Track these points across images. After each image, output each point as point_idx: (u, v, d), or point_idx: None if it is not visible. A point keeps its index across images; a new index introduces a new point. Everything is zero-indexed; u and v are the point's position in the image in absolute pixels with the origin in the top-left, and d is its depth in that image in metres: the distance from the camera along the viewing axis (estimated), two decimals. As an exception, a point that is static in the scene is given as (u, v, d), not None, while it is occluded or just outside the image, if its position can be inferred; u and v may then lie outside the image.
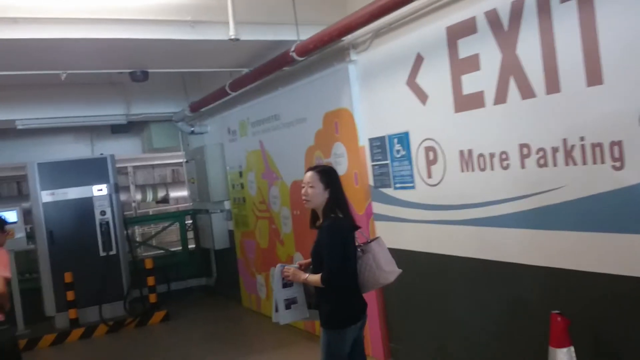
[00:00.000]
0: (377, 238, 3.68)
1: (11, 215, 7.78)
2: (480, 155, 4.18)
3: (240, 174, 8.16)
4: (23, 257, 9.10)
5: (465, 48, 4.22)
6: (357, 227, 3.60)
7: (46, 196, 7.93)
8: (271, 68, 5.85)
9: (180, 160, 15.43)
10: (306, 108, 6.26)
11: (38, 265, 8.19)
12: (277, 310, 3.68)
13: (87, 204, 8.15)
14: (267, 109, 7.13)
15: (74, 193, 8.08)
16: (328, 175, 3.60)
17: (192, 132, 9.32)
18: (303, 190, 3.61)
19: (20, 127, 8.19)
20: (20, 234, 7.82)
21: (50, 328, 7.89)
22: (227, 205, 8.84)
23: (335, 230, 3.45)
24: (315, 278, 3.43)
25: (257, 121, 7.47)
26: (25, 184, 16.93)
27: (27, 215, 8.58)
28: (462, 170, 4.34)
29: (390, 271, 3.56)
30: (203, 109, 8.27)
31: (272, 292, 3.75)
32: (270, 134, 7.16)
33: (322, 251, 3.45)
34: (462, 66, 4.26)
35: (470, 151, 4.27)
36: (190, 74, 8.60)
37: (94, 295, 7.95)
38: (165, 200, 17.62)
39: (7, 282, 4.86)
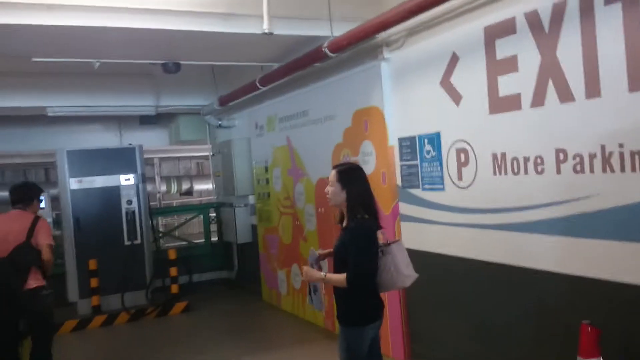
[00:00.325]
0: (397, 241, 3.65)
1: (39, 201, 7.89)
2: (514, 158, 4.09)
3: (266, 169, 8.16)
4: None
5: (503, 49, 4.13)
6: (379, 228, 3.55)
7: (74, 183, 8.02)
8: (302, 64, 5.82)
9: (205, 154, 15.54)
10: (335, 105, 6.22)
11: (63, 251, 8.28)
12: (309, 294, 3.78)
13: (114, 192, 8.22)
14: (296, 104, 7.11)
15: (101, 181, 8.15)
16: (347, 175, 3.56)
17: (220, 126, 9.35)
18: (326, 189, 3.65)
19: (50, 114, 8.30)
20: (48, 220, 7.89)
21: (73, 314, 7.97)
22: (251, 199, 8.86)
23: (362, 233, 3.43)
24: (339, 277, 3.42)
25: (285, 117, 7.45)
26: (53, 171, 17.25)
27: (54, 201, 8.70)
28: (495, 174, 4.26)
29: (408, 275, 3.54)
30: (231, 103, 8.27)
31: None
32: (297, 130, 7.14)
33: (348, 252, 3.41)
34: (499, 67, 4.18)
35: (503, 154, 4.18)
36: (220, 67, 8.62)
37: (117, 283, 8.03)
38: (189, 192, 17.76)
39: (51, 248, 5.30)
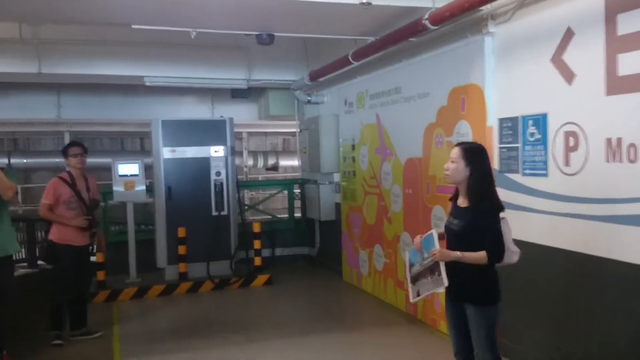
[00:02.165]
0: (503, 219, 3.64)
1: (133, 169, 8.18)
2: (632, 145, 3.71)
3: (353, 147, 8.00)
4: (140, 210, 9.58)
5: (626, 24, 3.73)
6: (503, 209, 3.63)
7: (167, 153, 8.22)
8: (399, 37, 5.57)
9: (292, 130, 15.61)
10: (431, 82, 5.94)
11: (154, 218, 8.55)
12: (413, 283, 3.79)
13: (204, 163, 8.36)
14: (388, 81, 6.88)
15: (192, 152, 8.31)
16: (472, 154, 3.60)
17: (309, 102, 9.28)
18: (446, 165, 3.68)
19: (148, 83, 8.53)
20: (141, 187, 8.17)
21: (160, 279, 8.24)
22: (336, 177, 8.75)
23: (496, 213, 3.55)
24: (477, 255, 3.47)
25: (375, 94, 7.24)
26: (147, 140, 17.94)
27: (147, 170, 8.97)
28: (608, 161, 3.88)
29: (515, 251, 3.65)
30: (322, 79, 8.15)
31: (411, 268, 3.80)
32: (388, 107, 6.91)
33: (485, 232, 3.49)
34: (620, 44, 3.78)
35: (619, 140, 3.80)
36: (311, 42, 8.52)
37: (203, 252, 8.20)
38: (274, 167, 17.94)
39: (42, 206, 5.75)
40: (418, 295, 3.73)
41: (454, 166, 3.59)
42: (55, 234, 5.87)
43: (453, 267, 3.52)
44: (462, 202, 3.66)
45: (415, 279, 3.74)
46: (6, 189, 4.45)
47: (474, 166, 3.55)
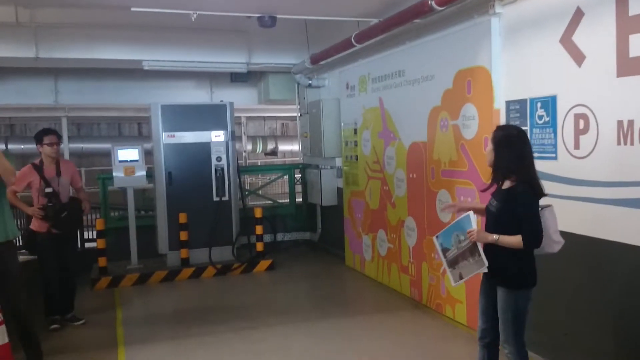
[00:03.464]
0: (549, 206, 3.62)
1: (133, 154, 8.08)
2: (644, 127, 3.65)
3: (355, 131, 7.93)
4: (139, 195, 9.52)
5: (638, 4, 3.65)
6: (543, 195, 3.58)
7: (167, 138, 8.13)
8: (404, 18, 5.48)
9: (291, 114, 15.53)
10: (435, 65, 5.85)
11: (154, 204, 8.49)
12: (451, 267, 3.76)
13: (204, 148, 8.28)
14: (391, 64, 6.78)
15: (192, 137, 8.22)
16: (499, 137, 3.61)
17: (310, 86, 9.20)
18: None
19: (146, 67, 8.42)
20: (141, 172, 8.09)
21: (162, 265, 8.21)
22: (338, 162, 8.69)
23: (533, 197, 3.51)
24: (513, 239, 3.45)
25: (378, 77, 7.15)
26: (145, 125, 17.86)
27: (146, 155, 8.88)
28: (619, 144, 3.82)
29: (557, 241, 3.60)
30: (323, 62, 8.05)
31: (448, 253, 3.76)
32: (391, 91, 6.83)
33: (521, 214, 3.46)
34: (632, 24, 3.70)
35: (631, 122, 3.73)
36: (312, 25, 8.39)
37: (205, 237, 8.16)
38: (273, 152, 17.90)
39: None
40: (460, 278, 3.70)
41: (488, 149, 3.70)
42: (34, 223, 5.88)
43: (490, 250, 3.54)
44: (504, 184, 3.64)
45: (454, 263, 3.71)
46: (9, 173, 4.39)
47: (498, 149, 3.57)
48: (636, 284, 3.78)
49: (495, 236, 3.51)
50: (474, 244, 3.56)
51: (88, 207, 6.34)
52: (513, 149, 3.55)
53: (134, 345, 5.49)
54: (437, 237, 3.82)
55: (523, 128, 4.66)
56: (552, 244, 3.57)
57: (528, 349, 3.66)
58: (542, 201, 3.58)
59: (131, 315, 6.51)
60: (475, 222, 3.60)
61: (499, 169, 3.59)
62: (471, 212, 3.64)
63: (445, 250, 3.75)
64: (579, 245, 4.20)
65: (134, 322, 6.26)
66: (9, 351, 4.50)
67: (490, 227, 3.62)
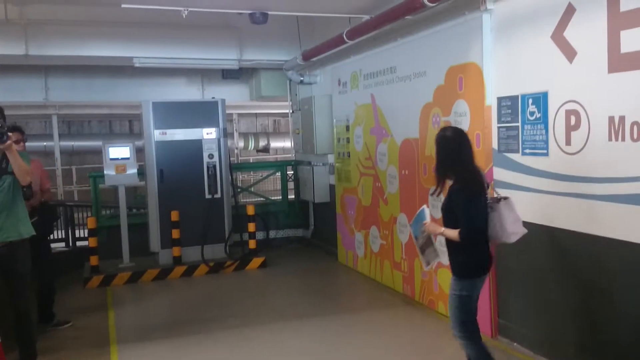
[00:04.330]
0: (506, 198, 3.78)
1: (124, 152, 8.04)
2: (635, 123, 3.66)
3: (347, 128, 7.92)
4: (129, 193, 9.47)
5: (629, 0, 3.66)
6: (485, 186, 3.78)
7: (158, 135, 8.08)
8: (396, 14, 5.47)
9: (282, 111, 15.48)
10: (427, 61, 5.85)
11: (146, 201, 8.45)
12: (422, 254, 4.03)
13: (196, 146, 8.23)
14: (383, 60, 6.78)
15: (184, 134, 8.17)
16: (436, 138, 3.86)
17: (301, 82, 9.17)
18: None
19: (137, 64, 8.37)
20: (132, 170, 8.05)
21: (154, 263, 8.17)
22: (330, 158, 8.69)
23: (466, 194, 3.65)
24: (453, 232, 3.67)
25: (370, 73, 7.15)
26: (136, 123, 17.76)
27: (138, 153, 8.84)
28: (610, 139, 3.84)
29: (512, 232, 3.74)
30: (315, 58, 8.04)
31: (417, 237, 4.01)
32: (383, 87, 6.82)
33: (456, 210, 3.67)
34: (623, 20, 3.72)
35: (622, 118, 3.75)
36: (304, 21, 8.39)
37: (197, 235, 8.13)
38: (265, 149, 17.87)
39: None
40: (428, 263, 4.02)
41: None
42: None
43: (447, 241, 3.81)
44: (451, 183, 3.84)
45: (423, 249, 3.98)
46: (25, 173, 4.35)
47: (437, 150, 3.83)
48: (630, 281, 3.80)
49: (441, 229, 3.76)
50: (429, 235, 3.87)
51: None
52: (448, 150, 3.75)
53: (127, 344, 5.47)
54: (410, 224, 4.13)
55: (514, 124, 4.72)
56: (508, 234, 3.72)
57: (529, 346, 3.68)
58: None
59: (123, 314, 6.48)
60: (429, 215, 3.87)
61: (437, 169, 3.81)
62: (425, 206, 3.96)
63: (416, 238, 4.01)
64: (569, 241, 4.22)
65: (126, 321, 6.23)
66: (1, 351, 4.48)
67: (442, 221, 3.85)
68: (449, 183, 3.79)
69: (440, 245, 3.94)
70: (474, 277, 3.74)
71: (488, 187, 3.88)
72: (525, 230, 3.79)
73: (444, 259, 3.94)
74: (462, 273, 3.76)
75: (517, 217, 3.76)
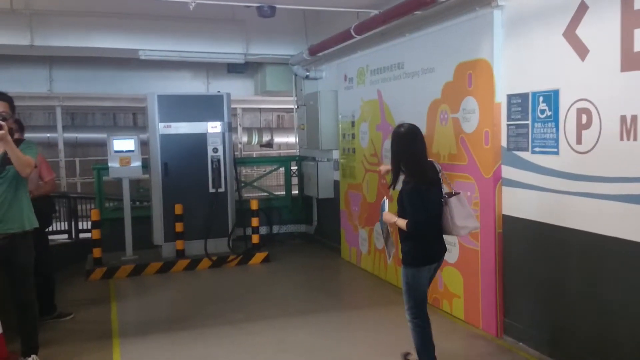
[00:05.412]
0: (458, 193, 4.06)
1: (129, 144, 8.01)
2: (648, 122, 3.61)
3: (353, 123, 7.88)
4: (132, 186, 9.43)
5: (644, -3, 3.61)
6: (435, 182, 4.03)
7: (163, 128, 8.05)
8: (406, 10, 5.42)
9: (287, 106, 15.42)
10: (436, 57, 5.80)
11: (149, 194, 8.42)
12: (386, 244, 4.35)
13: (200, 140, 8.20)
14: (390, 56, 6.73)
15: (189, 128, 8.13)
16: (391, 135, 4.15)
17: (307, 77, 9.13)
18: None
19: (143, 57, 8.32)
20: (137, 163, 8.02)
21: (157, 256, 8.15)
22: (335, 154, 8.65)
23: (411, 189, 3.93)
24: (403, 223, 3.95)
25: (377, 69, 7.10)
26: (140, 116, 17.72)
27: (142, 146, 8.81)
28: (622, 139, 3.78)
29: (462, 227, 4.01)
30: (321, 53, 7.98)
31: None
32: (390, 83, 6.77)
33: (405, 202, 3.97)
34: (637, 18, 3.66)
35: (634, 117, 3.70)
36: (311, 16, 8.33)
37: (201, 229, 8.11)
38: (269, 144, 17.83)
39: None
40: (389, 256, 4.35)
41: None
42: None
43: (398, 230, 4.10)
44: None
45: (386, 240, 4.32)
46: (24, 165, 4.27)
47: (391, 145, 4.11)
48: (635, 280, 3.76)
49: (395, 218, 4.03)
50: (387, 226, 4.17)
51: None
52: (402, 145, 4.02)
53: (129, 337, 5.45)
54: (380, 220, 4.37)
55: (524, 122, 4.67)
56: (457, 229, 3.99)
57: (534, 345, 3.64)
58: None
59: (126, 307, 6.46)
60: (387, 206, 4.19)
61: (392, 163, 4.10)
62: (385, 198, 4.27)
63: (382, 231, 4.35)
64: (579, 240, 4.18)
65: (128, 314, 6.21)
66: (3, 342, 4.46)
67: (397, 212, 4.12)
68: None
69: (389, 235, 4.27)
70: (419, 265, 4.01)
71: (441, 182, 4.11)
72: (477, 226, 4.15)
73: (393, 249, 4.27)
74: (407, 261, 4.04)
75: (469, 213, 4.05)
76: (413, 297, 4.07)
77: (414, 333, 4.15)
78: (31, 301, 4.66)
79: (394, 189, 4.15)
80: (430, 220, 3.93)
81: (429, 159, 4.13)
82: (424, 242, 4.00)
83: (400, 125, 4.12)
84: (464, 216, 3.99)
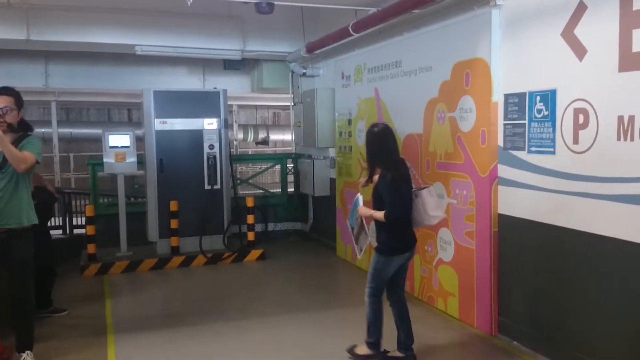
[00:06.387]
0: (428, 186, 4.44)
1: (124, 140, 7.98)
2: (645, 123, 3.62)
3: (350, 121, 7.87)
4: (127, 182, 9.42)
5: (643, -3, 3.62)
6: (407, 178, 4.33)
7: (159, 124, 8.02)
8: (404, 8, 5.42)
9: (282, 103, 15.43)
10: (434, 56, 5.80)
11: (144, 190, 8.40)
12: (357, 242, 4.61)
13: (196, 136, 8.17)
14: (388, 54, 6.72)
15: (185, 124, 8.11)
16: (365, 134, 4.53)
17: (304, 74, 9.11)
18: None
19: (139, 52, 8.29)
20: (132, 159, 7.99)
21: (152, 253, 8.12)
22: (331, 152, 8.64)
23: (387, 184, 4.22)
24: (380, 214, 4.24)
25: (374, 67, 7.09)
26: (135, 112, 17.67)
27: (137, 142, 8.78)
28: (619, 139, 3.79)
29: (434, 216, 4.37)
30: (319, 51, 7.98)
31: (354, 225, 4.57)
32: (387, 81, 6.77)
33: (382, 195, 4.26)
34: (636, 19, 3.67)
35: (632, 117, 3.71)
36: (309, 13, 8.31)
37: (196, 226, 8.10)
38: (264, 142, 17.81)
39: None
40: (361, 250, 4.57)
41: None
42: None
43: (375, 223, 4.37)
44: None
45: (357, 238, 4.54)
46: (18, 161, 4.25)
47: (366, 144, 4.48)
48: (635, 282, 3.77)
49: (371, 211, 4.32)
50: (362, 220, 4.41)
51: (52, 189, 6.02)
52: (376, 144, 4.37)
53: (124, 333, 5.43)
54: (347, 218, 4.61)
55: (521, 122, 4.68)
56: (429, 218, 4.34)
57: (529, 344, 3.65)
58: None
59: (120, 303, 6.43)
60: (361, 201, 4.45)
61: (367, 161, 4.45)
62: (359, 194, 4.52)
63: (352, 229, 4.57)
64: (574, 240, 4.19)
65: (123, 310, 6.18)
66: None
67: (372, 206, 4.40)
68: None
69: (373, 232, 4.46)
70: (392, 255, 4.34)
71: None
72: (444, 215, 4.58)
73: (373, 240, 4.44)
74: (382, 250, 4.36)
75: (438, 204, 4.46)
76: (377, 280, 4.42)
77: (369, 308, 4.49)
78: (28, 297, 4.64)
79: (365, 187, 4.57)
80: (406, 210, 4.26)
81: (400, 157, 4.48)
82: (398, 234, 4.33)
83: (374, 125, 4.49)
84: (435, 206, 4.35)
